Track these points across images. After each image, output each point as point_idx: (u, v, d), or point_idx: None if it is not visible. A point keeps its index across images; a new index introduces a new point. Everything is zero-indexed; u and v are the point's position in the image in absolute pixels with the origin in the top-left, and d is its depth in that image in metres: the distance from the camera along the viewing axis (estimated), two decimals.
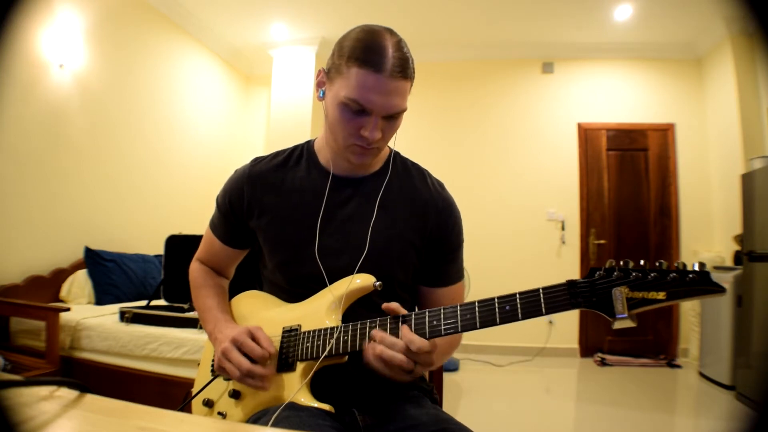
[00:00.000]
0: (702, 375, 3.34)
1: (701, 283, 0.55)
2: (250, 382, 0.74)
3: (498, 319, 0.64)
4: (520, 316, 0.63)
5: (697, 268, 0.56)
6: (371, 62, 0.72)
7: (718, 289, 0.55)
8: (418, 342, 0.66)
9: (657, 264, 0.59)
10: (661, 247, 4.04)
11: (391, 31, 0.78)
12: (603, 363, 3.75)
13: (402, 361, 0.67)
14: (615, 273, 0.60)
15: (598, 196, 4.14)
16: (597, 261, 4.07)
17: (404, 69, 0.75)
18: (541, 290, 0.63)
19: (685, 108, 4.09)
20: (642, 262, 0.60)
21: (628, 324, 0.58)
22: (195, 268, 1.01)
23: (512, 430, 2.47)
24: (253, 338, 0.76)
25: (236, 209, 0.92)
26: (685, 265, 0.57)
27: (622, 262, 0.61)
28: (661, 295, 0.57)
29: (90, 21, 2.96)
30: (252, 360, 0.74)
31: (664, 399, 3.07)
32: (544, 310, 0.62)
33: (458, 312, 0.69)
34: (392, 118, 0.78)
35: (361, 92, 0.73)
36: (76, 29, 2.86)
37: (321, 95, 0.82)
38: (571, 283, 0.62)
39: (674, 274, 0.57)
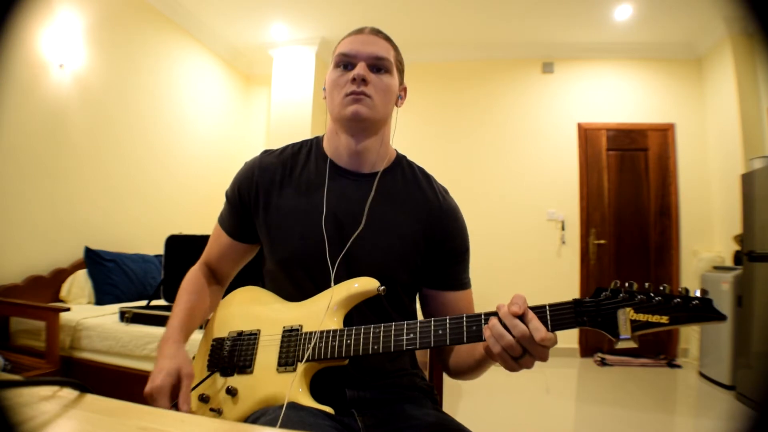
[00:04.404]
0: (702, 375, 3.34)
1: (704, 310, 0.57)
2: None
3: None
4: None
5: (699, 294, 0.58)
6: (352, 32, 0.89)
7: (720, 317, 0.57)
8: (544, 332, 0.62)
9: (661, 288, 0.61)
10: (661, 247, 4.04)
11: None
12: (603, 363, 3.75)
13: (510, 342, 0.63)
14: (620, 294, 0.62)
15: (598, 196, 4.14)
16: (597, 261, 4.08)
17: (382, 32, 0.89)
18: (547, 307, 0.65)
19: (685, 108, 4.09)
20: (647, 285, 0.62)
21: (631, 345, 0.60)
22: (189, 272, 0.98)
23: (512, 430, 2.47)
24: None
25: (245, 199, 0.91)
26: (688, 291, 0.59)
27: (627, 284, 0.63)
28: (664, 319, 0.59)
29: (90, 21, 2.96)
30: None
31: (664, 399, 3.07)
32: (549, 326, 0.64)
33: (464, 323, 0.69)
34: (378, 70, 0.85)
35: (344, 46, 0.87)
36: (76, 29, 2.86)
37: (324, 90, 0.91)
38: (577, 302, 0.64)
39: (678, 300, 0.58)
